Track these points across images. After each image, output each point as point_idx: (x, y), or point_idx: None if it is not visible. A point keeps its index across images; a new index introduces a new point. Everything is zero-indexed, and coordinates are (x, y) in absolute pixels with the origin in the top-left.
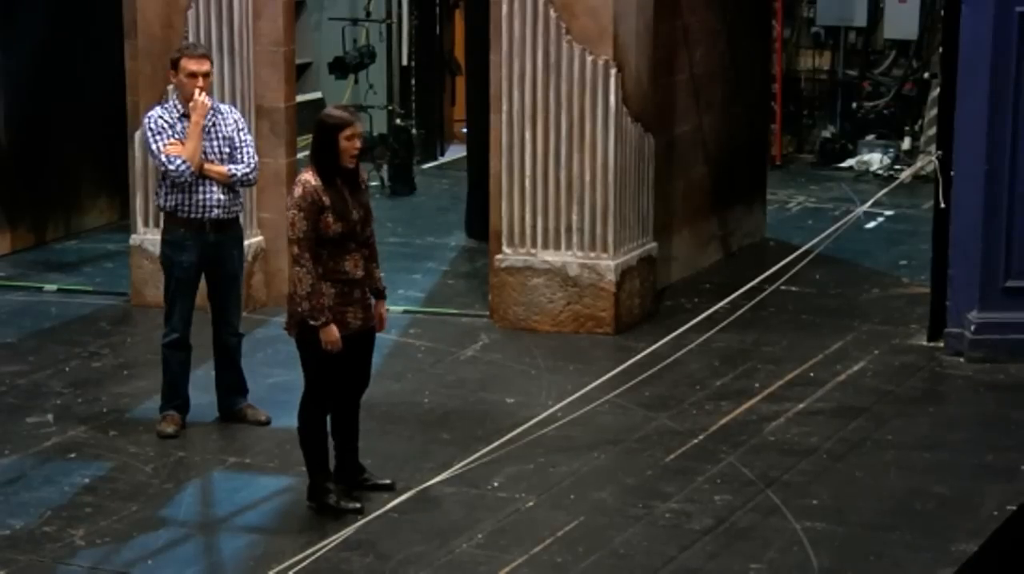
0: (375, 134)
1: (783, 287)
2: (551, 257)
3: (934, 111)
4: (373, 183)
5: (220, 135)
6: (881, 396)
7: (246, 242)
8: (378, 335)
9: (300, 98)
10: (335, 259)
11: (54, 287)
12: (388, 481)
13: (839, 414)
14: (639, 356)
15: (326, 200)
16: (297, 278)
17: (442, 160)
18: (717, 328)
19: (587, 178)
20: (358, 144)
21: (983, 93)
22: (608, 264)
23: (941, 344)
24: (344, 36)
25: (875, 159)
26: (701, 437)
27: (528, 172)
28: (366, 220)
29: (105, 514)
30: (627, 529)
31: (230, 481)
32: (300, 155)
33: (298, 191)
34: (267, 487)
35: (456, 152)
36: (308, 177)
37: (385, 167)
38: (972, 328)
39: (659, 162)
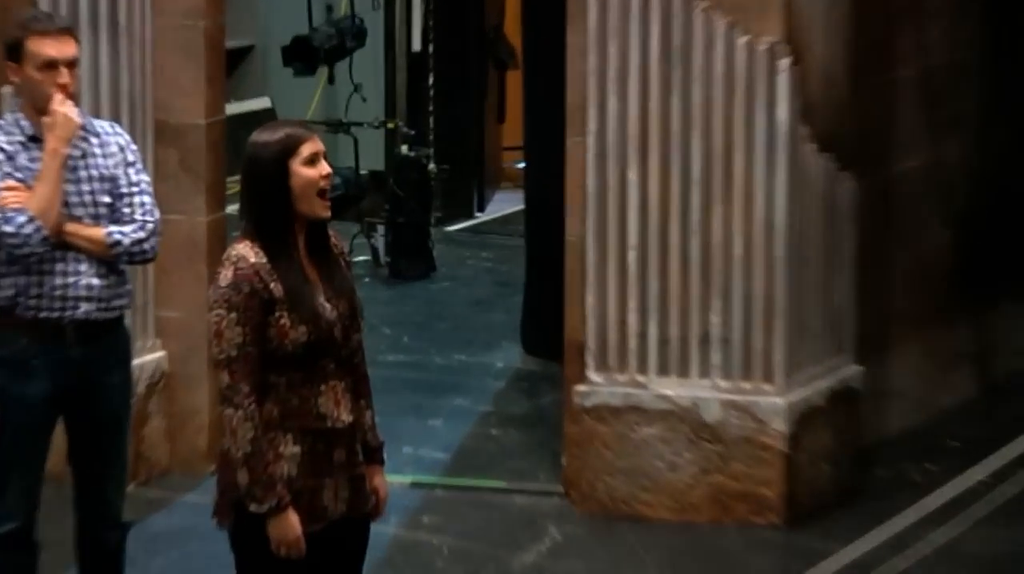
0: (362, 172)
1: None
2: (674, 389)
3: None
4: (359, 258)
5: (95, 173)
6: None
7: (136, 361)
8: (373, 528)
9: (234, 108)
10: (299, 393)
11: None
12: None
13: None
14: (833, 569)
15: (276, 288)
16: (229, 428)
17: (481, 218)
18: (972, 521)
19: (737, 250)
20: (326, 171)
21: None
22: (775, 403)
23: None
24: (310, 3)
25: None
26: None
27: (633, 239)
28: (351, 320)
29: None
30: None
31: None
32: (232, 208)
33: (227, 275)
34: None
35: (506, 203)
36: (243, 251)
37: (380, 231)
38: None
39: (865, 222)
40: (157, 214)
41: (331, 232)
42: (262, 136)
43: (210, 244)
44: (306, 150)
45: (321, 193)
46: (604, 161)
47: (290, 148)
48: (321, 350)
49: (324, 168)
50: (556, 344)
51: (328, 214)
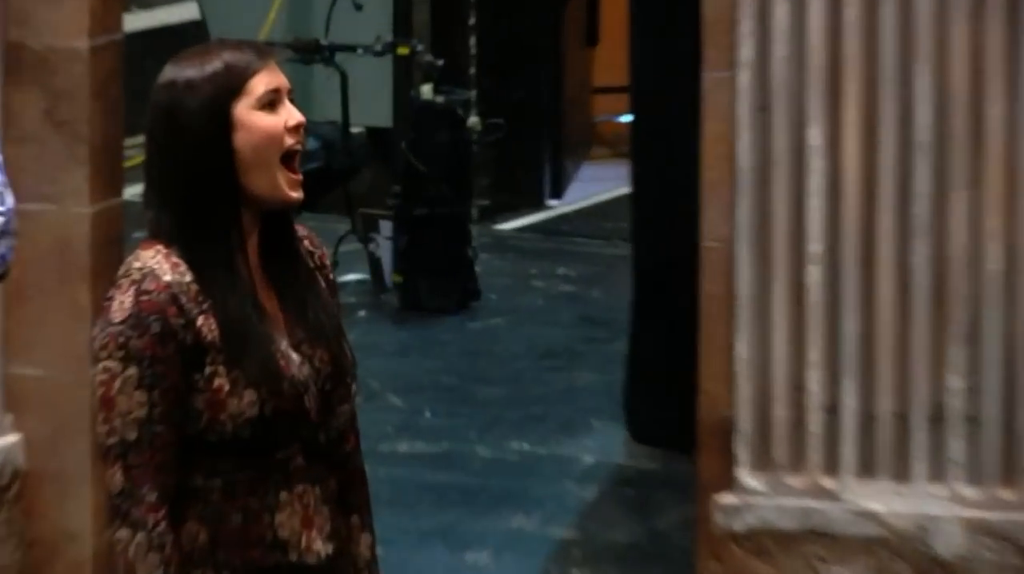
0: (354, 130)
1: None
2: (885, 502)
3: None
4: (350, 276)
5: None
6: None
7: None
8: None
9: (139, 21)
10: (243, 506)
11: None
12: None
13: None
14: None
15: (208, 325)
16: (123, 562)
17: (558, 208)
18: None
19: (992, 265)
20: (296, 119)
21: None
22: None
23: None
24: None
25: None
26: None
27: (816, 246)
28: (335, 382)
29: None
30: None
31: None
32: (134, 191)
33: (124, 303)
34: None
35: (598, 184)
36: (152, 262)
37: (385, 231)
38: None
39: None
40: (10, 201)
41: (302, 230)
42: (184, 68)
43: (97, 252)
44: (259, 85)
45: (287, 157)
46: (767, 115)
47: (232, 85)
48: (282, 432)
49: (291, 114)
50: (684, 425)
51: (299, 196)
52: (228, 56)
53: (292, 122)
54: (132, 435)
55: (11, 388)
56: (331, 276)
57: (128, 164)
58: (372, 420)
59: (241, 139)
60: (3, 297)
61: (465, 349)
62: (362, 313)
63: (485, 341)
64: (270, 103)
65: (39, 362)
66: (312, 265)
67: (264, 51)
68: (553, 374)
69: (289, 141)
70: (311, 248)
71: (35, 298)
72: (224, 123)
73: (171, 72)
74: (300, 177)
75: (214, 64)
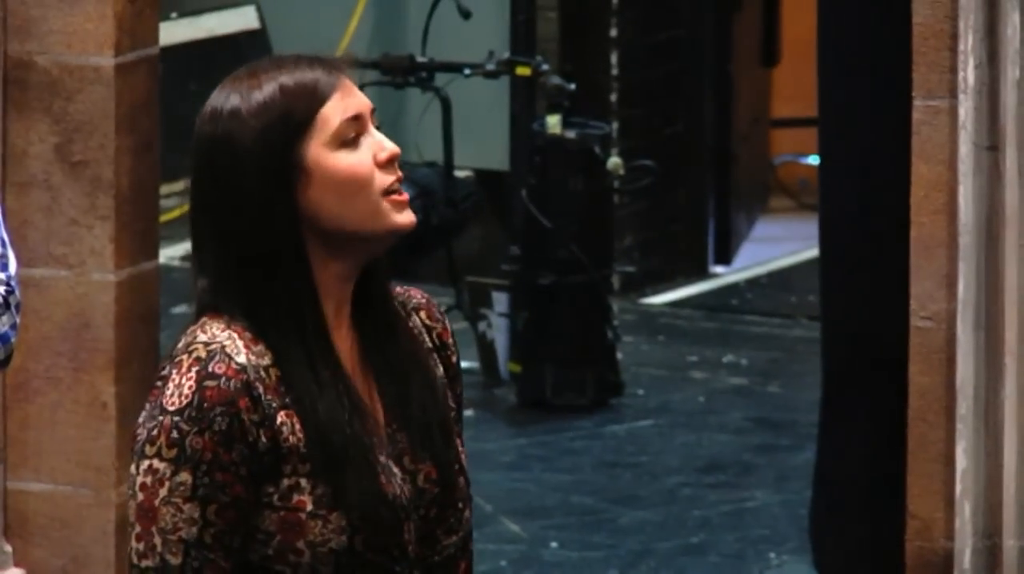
0: (459, 174)
1: None
2: None
3: None
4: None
5: None
6: None
7: None
8: None
9: (182, 31)
10: None
11: None
12: None
13: None
14: None
15: (289, 424)
16: None
17: (726, 277)
18: None
19: None
20: (388, 148)
21: None
22: None
23: None
24: None
25: None
26: None
27: None
28: (443, 505)
29: None
30: None
31: None
32: (170, 255)
33: (183, 385)
34: None
35: (778, 245)
36: (222, 336)
37: (500, 305)
38: None
39: None
40: (12, 266)
41: (418, 297)
42: (228, 97)
43: (124, 332)
44: (334, 114)
45: (389, 193)
46: (996, 155)
47: (296, 119)
48: (371, 569)
49: (381, 144)
50: (888, 559)
51: (410, 219)
52: (286, 78)
53: (383, 155)
54: (175, 560)
55: (13, 509)
56: (454, 358)
57: (165, 218)
58: (482, 552)
59: (317, 190)
60: (2, 390)
61: (603, 460)
62: (469, 413)
63: (629, 450)
64: (348, 135)
65: (48, 475)
66: (429, 345)
67: (332, 65)
68: (718, 493)
69: (387, 180)
70: (428, 322)
71: (44, 392)
72: (283, 171)
73: (219, 99)
74: (405, 197)
75: (266, 91)
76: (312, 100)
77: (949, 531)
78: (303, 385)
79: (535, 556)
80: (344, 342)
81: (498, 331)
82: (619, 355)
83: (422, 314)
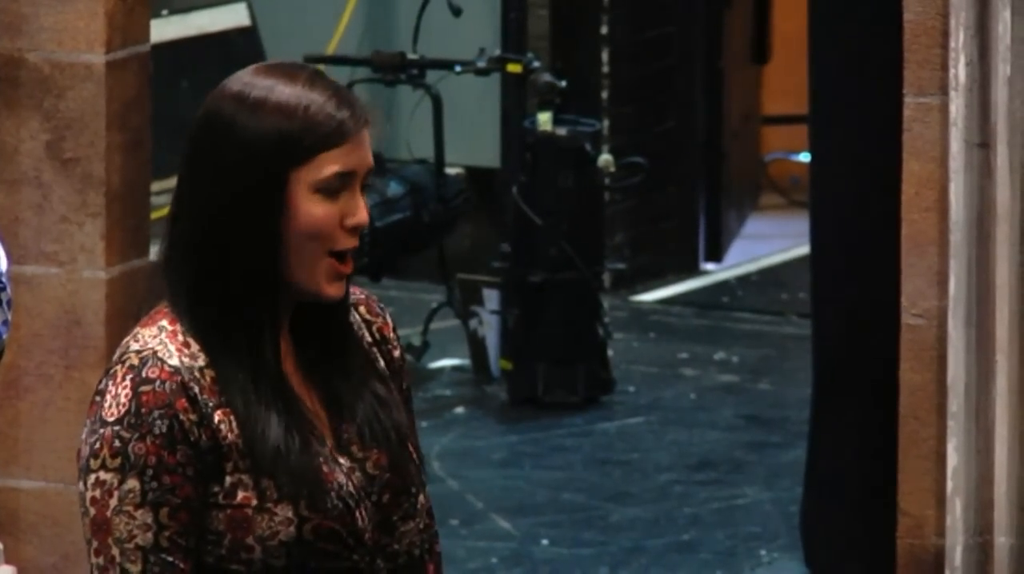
0: (450, 171)
1: None
2: None
3: None
4: (445, 362)
5: None
6: None
7: None
8: None
9: (173, 28)
10: None
11: None
12: None
13: None
14: None
15: (226, 423)
16: None
17: (717, 274)
18: None
19: None
20: (360, 216)
21: None
22: None
23: None
24: None
25: None
26: None
27: None
28: (398, 492)
29: None
30: None
31: None
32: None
33: (120, 395)
34: None
35: (768, 243)
36: (154, 340)
37: (491, 302)
38: None
39: None
40: (2, 264)
41: (357, 293)
42: (249, 89)
43: (115, 328)
44: (331, 163)
45: (339, 257)
46: (987, 153)
47: (298, 148)
48: (327, 559)
49: (354, 209)
50: (878, 556)
51: (339, 293)
52: (317, 104)
53: (351, 221)
54: (135, 567)
55: (3, 506)
56: (397, 353)
57: (156, 215)
58: (472, 550)
59: (284, 221)
60: None
61: (594, 457)
62: (460, 410)
63: (620, 447)
64: (337, 185)
65: (39, 472)
66: (369, 339)
67: (362, 115)
68: (709, 490)
69: (343, 243)
70: (368, 317)
71: (35, 389)
72: (277, 191)
73: (242, 82)
74: (348, 270)
75: (295, 101)
76: (325, 139)
77: (940, 528)
78: (237, 383)
79: (526, 553)
80: (284, 341)
81: (489, 328)
82: (610, 352)
83: (361, 309)
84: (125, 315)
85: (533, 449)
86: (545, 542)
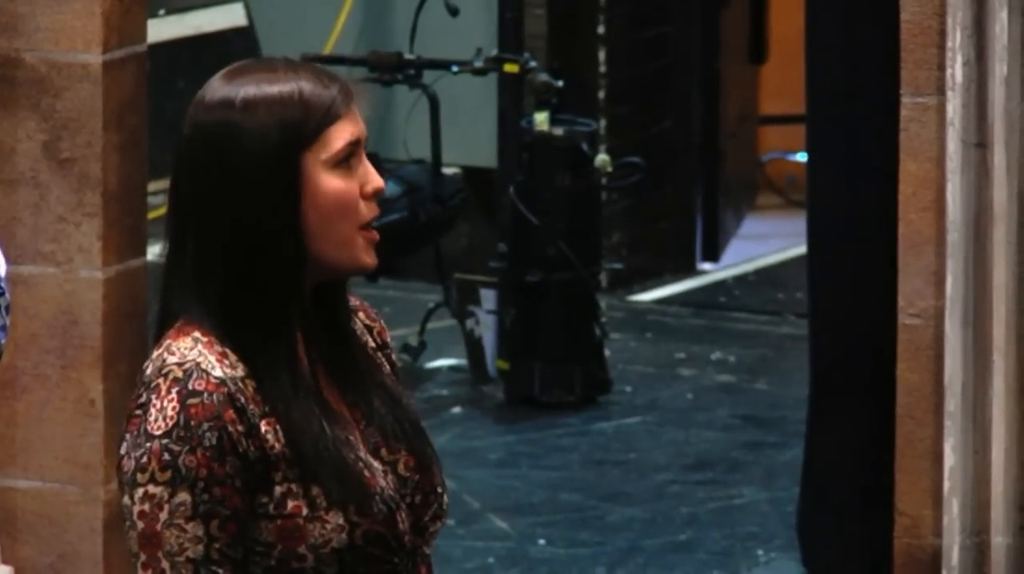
0: (448, 171)
1: None
2: None
3: None
4: (441, 362)
5: None
6: None
7: None
8: None
9: (169, 28)
10: None
11: None
12: None
13: None
14: None
15: (272, 433)
16: None
17: (714, 274)
18: None
19: None
20: (376, 181)
21: None
22: None
23: None
24: None
25: None
26: None
27: None
28: (427, 491)
29: None
30: None
31: None
32: (158, 252)
33: (167, 408)
34: None
35: (765, 243)
36: (196, 353)
37: (487, 303)
38: None
39: None
40: (3, 268)
41: (354, 301)
42: (242, 86)
43: (112, 329)
44: (339, 136)
45: (366, 227)
46: (984, 152)
47: (307, 130)
48: (376, 565)
49: (369, 176)
50: (876, 557)
51: (375, 263)
52: (307, 86)
53: (370, 188)
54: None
55: (0, 507)
56: (393, 357)
57: (153, 215)
58: (469, 550)
59: (307, 206)
60: None
61: (591, 457)
62: (457, 410)
63: (617, 447)
64: (347, 158)
65: (36, 472)
66: (372, 344)
67: (349, 89)
68: (706, 490)
69: (368, 214)
70: (368, 322)
71: (32, 389)
72: (291, 179)
73: (223, 89)
74: (377, 237)
75: (285, 88)
76: (326, 115)
77: (937, 528)
78: (279, 394)
79: (522, 553)
80: (303, 348)
81: (486, 328)
82: (607, 352)
83: (360, 315)
84: (122, 315)
85: (530, 449)
86: (542, 542)
